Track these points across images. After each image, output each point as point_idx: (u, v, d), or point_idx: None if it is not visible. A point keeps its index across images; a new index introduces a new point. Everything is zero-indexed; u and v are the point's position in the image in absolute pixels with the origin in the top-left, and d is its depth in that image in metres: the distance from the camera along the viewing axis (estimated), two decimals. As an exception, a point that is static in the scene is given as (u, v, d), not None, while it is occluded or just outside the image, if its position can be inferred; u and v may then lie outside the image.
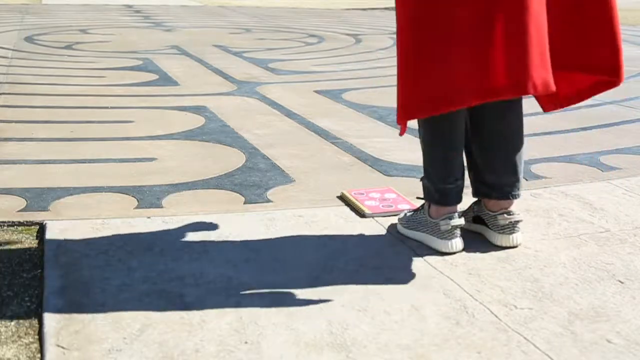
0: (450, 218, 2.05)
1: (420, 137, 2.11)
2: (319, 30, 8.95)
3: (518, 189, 2.11)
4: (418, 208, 2.19)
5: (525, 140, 2.13)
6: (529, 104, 4.59)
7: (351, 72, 5.57)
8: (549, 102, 2.14)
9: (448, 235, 2.05)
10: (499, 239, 2.10)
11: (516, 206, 2.13)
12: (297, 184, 2.69)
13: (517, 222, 2.10)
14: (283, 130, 3.53)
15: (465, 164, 2.14)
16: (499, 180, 2.10)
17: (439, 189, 2.07)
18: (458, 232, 2.06)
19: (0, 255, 2.01)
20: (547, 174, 2.84)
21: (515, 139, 2.12)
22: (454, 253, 2.04)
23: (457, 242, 2.05)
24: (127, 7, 13.59)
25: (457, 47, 1.83)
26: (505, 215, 2.09)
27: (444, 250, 2.04)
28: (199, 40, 7.62)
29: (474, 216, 2.18)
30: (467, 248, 2.07)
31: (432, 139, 2.06)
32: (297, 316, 1.67)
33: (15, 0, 14.15)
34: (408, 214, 2.21)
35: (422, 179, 2.14)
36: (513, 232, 2.09)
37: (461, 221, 2.06)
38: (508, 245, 2.09)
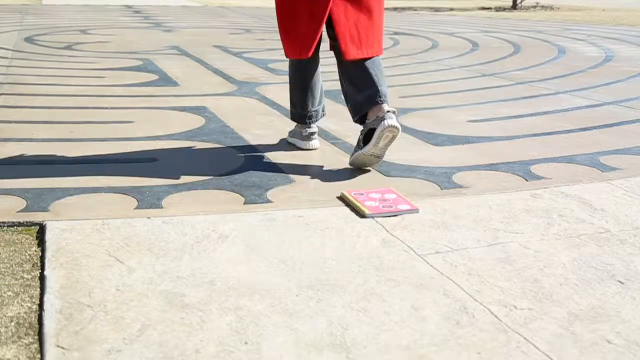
0: (309, 127, 3.17)
1: (289, 77, 3.18)
2: (319, 31, 8.93)
3: (381, 96, 2.82)
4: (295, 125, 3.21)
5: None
6: (530, 106, 4.59)
7: (351, 73, 5.56)
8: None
9: (307, 138, 3.16)
10: (383, 132, 2.71)
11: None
12: (297, 184, 2.69)
13: (390, 112, 2.78)
14: (283, 131, 3.53)
15: (322, 101, 3.21)
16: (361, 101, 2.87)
17: (299, 113, 3.17)
18: (314, 137, 3.16)
19: (0, 255, 2.01)
20: (547, 174, 2.84)
21: (375, 66, 2.89)
22: (313, 149, 3.13)
23: (314, 143, 3.17)
24: (127, 7, 13.59)
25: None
26: (384, 116, 2.73)
27: (304, 147, 3.15)
28: (199, 41, 7.62)
29: (365, 135, 2.80)
30: (466, 247, 2.08)
31: (294, 76, 3.15)
32: (297, 316, 1.67)
33: (15, 1, 14.15)
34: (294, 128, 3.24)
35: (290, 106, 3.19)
36: (388, 119, 2.73)
37: (314, 129, 3.17)
38: (391, 125, 2.71)
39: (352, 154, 2.86)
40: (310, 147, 3.14)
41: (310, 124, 3.16)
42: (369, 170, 2.88)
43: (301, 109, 3.14)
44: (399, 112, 3.98)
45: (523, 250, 2.08)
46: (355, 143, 3.29)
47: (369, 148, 2.75)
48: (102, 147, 3.16)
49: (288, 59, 3.12)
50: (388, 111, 2.77)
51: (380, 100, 2.80)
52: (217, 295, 1.76)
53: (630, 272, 1.94)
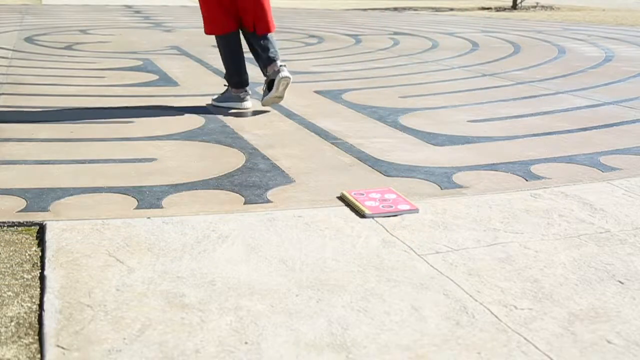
0: (245, 92, 4.02)
1: (220, 53, 4.07)
2: (319, 31, 8.95)
3: (275, 56, 3.96)
4: (225, 90, 4.06)
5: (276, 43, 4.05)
6: (530, 106, 4.59)
7: (351, 72, 5.57)
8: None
9: (244, 99, 4.00)
10: (280, 81, 3.88)
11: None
12: (297, 184, 2.69)
13: (283, 65, 3.93)
14: (283, 131, 3.53)
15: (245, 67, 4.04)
16: (266, 60, 3.98)
17: (236, 80, 3.99)
18: (248, 97, 4.01)
19: (0, 255, 2.01)
20: (547, 174, 2.84)
21: (266, 45, 3.97)
22: (247, 109, 3.97)
23: (247, 104, 4.01)
24: (127, 7, 13.59)
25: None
26: (279, 70, 3.90)
27: (240, 107, 3.99)
28: (199, 41, 7.61)
29: (267, 84, 3.96)
30: (466, 247, 2.08)
31: (225, 49, 4.03)
32: (297, 316, 1.67)
33: (15, 1, 14.16)
34: (219, 94, 4.10)
35: (225, 76, 4.07)
36: (283, 72, 3.89)
37: (248, 92, 4.01)
38: (285, 76, 3.89)
39: (262, 98, 3.99)
40: (245, 107, 4.00)
41: (246, 86, 4.03)
42: (369, 171, 2.88)
43: (237, 75, 4.01)
44: (399, 112, 4.00)
45: (523, 250, 2.08)
46: (355, 142, 3.31)
47: (273, 92, 3.90)
48: (102, 147, 3.16)
49: (217, 40, 4.07)
50: (281, 65, 3.89)
51: (274, 58, 3.94)
52: (217, 295, 1.76)
53: (630, 272, 1.94)
